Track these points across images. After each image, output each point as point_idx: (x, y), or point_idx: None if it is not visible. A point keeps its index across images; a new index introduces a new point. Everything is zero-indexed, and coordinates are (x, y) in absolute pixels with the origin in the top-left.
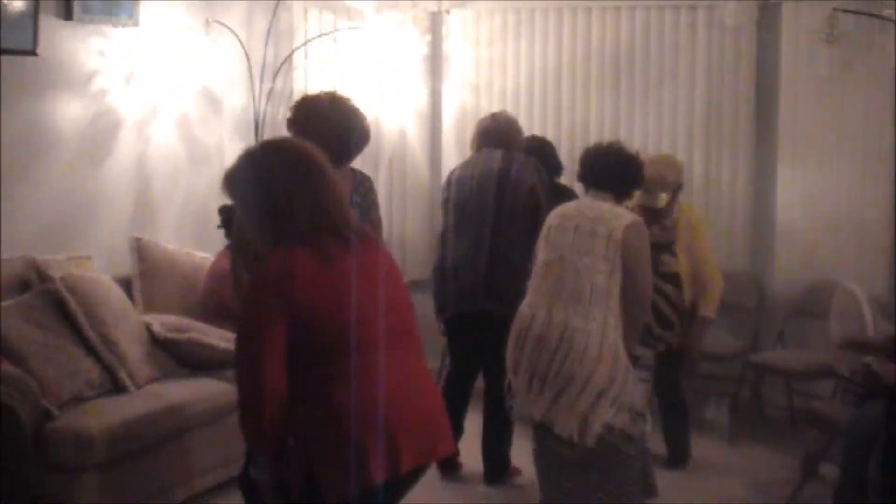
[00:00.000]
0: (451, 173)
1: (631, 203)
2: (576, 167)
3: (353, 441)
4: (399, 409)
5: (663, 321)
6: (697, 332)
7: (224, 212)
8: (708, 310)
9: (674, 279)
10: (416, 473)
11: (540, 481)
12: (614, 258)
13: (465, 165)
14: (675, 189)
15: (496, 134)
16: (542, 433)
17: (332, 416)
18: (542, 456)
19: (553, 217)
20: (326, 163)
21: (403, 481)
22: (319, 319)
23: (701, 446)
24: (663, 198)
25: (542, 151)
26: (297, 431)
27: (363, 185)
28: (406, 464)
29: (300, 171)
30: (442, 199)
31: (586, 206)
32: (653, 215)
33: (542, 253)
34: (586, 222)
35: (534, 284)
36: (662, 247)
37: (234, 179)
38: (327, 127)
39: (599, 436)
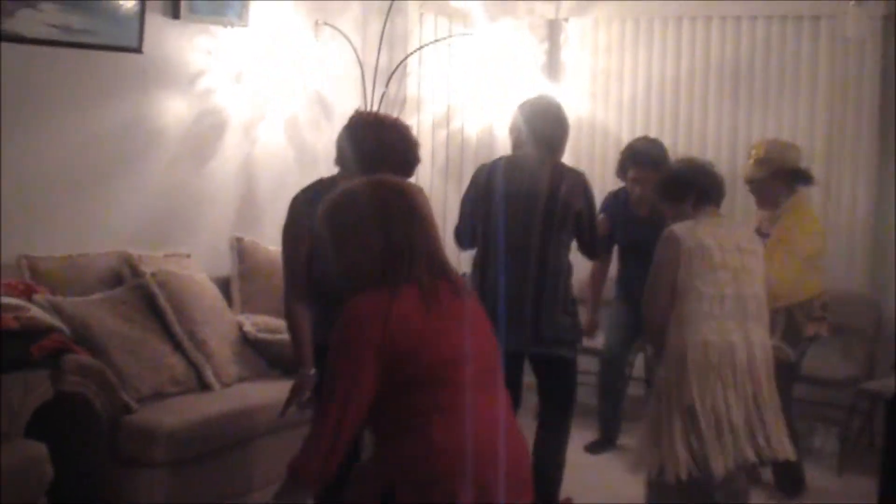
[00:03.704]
0: (490, 173)
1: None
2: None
3: (445, 477)
4: (490, 452)
5: None
6: None
7: None
8: None
9: None
10: None
11: None
12: (761, 271)
13: (509, 171)
14: (781, 173)
15: (544, 137)
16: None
17: (424, 450)
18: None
19: (701, 238)
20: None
21: None
22: (415, 357)
23: (809, 475)
24: (756, 171)
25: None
26: (383, 459)
27: None
28: None
29: (419, 215)
30: (475, 196)
31: (729, 225)
32: (758, 196)
33: (698, 279)
34: (745, 241)
35: (702, 311)
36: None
37: (344, 215)
38: (372, 146)
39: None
